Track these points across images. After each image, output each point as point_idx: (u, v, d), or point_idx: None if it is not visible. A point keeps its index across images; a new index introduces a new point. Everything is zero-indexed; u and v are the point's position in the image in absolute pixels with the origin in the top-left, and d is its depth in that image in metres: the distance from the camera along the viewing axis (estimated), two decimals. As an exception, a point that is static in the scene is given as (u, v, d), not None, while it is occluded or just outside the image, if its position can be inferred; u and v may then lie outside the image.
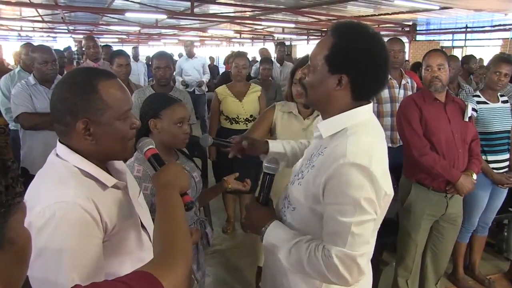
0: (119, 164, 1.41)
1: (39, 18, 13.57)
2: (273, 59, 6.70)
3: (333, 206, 1.34)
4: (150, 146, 1.46)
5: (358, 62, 1.36)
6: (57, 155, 1.26)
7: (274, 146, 1.94)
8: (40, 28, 17.27)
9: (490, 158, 3.28)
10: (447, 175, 2.76)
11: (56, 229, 1.11)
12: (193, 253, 2.06)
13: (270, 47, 17.77)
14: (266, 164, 1.68)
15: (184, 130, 2.01)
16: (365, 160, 1.31)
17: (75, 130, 1.22)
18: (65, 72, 4.76)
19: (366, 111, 1.45)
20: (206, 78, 7.72)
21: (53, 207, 1.12)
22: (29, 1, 10.04)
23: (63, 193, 1.16)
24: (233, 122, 4.15)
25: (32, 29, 17.43)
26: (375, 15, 11.91)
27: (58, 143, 1.28)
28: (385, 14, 11.63)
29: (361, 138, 1.37)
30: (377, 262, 3.37)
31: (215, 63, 16.99)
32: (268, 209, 1.63)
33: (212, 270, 3.81)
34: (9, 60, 7.41)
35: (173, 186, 1.29)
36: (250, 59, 9.26)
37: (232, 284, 3.62)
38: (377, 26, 13.40)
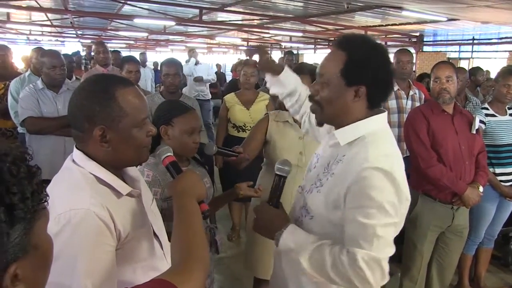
0: (133, 172, 1.42)
1: (48, 23, 13.68)
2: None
3: (357, 209, 1.36)
4: (168, 154, 1.48)
5: (374, 72, 1.41)
6: (73, 161, 1.27)
7: (288, 76, 1.95)
8: (49, 32, 17.41)
9: (498, 170, 3.28)
10: (454, 187, 2.76)
11: (71, 235, 1.12)
12: None
13: (277, 55, 17.83)
14: (278, 166, 1.68)
15: (194, 140, 2.02)
16: (387, 164, 1.35)
17: (92, 136, 1.23)
18: (73, 77, 4.89)
19: (382, 119, 1.49)
20: (211, 78, 7.76)
21: (68, 214, 1.13)
22: (39, 6, 10.13)
23: (78, 200, 1.17)
24: (240, 130, 4.16)
25: (41, 33, 17.56)
26: (382, 25, 11.91)
27: (75, 149, 1.29)
28: (392, 25, 11.63)
29: (380, 145, 1.41)
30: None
31: (222, 71, 17.05)
32: (281, 212, 1.62)
33: (217, 277, 3.79)
34: (18, 63, 7.45)
35: (191, 194, 1.30)
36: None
37: (237, 291, 3.62)
38: (384, 36, 13.42)
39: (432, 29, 12.30)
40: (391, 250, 1.39)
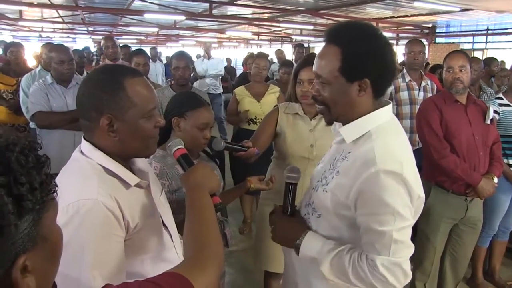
0: (142, 163, 1.41)
1: (60, 19, 13.78)
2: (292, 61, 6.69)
3: (371, 216, 1.33)
4: (180, 146, 1.47)
5: (373, 62, 1.36)
6: (81, 152, 1.26)
7: None
8: (60, 29, 17.54)
9: (511, 161, 3.23)
10: (468, 178, 2.72)
11: (79, 226, 1.12)
12: None
13: (288, 49, 17.78)
14: (288, 174, 1.66)
15: (205, 135, 2.00)
16: (396, 165, 1.30)
17: (99, 126, 1.22)
18: (85, 72, 4.90)
19: (387, 111, 1.44)
20: (216, 72, 7.74)
21: (76, 204, 1.13)
22: (50, 3, 10.19)
23: (86, 190, 1.16)
24: (251, 122, 4.14)
25: (52, 30, 17.70)
26: (394, 17, 11.81)
27: (83, 140, 1.28)
28: (404, 16, 11.52)
29: (387, 141, 1.36)
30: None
31: (232, 65, 17.04)
32: (298, 220, 1.60)
33: (227, 270, 3.80)
34: (30, 60, 7.51)
35: (203, 187, 1.28)
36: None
37: (247, 285, 3.62)
38: (396, 28, 13.30)
39: (445, 20, 12.15)
40: (410, 250, 1.38)
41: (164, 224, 1.39)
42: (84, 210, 1.12)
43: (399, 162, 1.31)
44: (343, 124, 1.46)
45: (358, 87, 1.37)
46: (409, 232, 1.36)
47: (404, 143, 1.43)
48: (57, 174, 1.19)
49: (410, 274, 1.37)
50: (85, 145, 1.26)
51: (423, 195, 1.40)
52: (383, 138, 1.36)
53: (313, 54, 2.71)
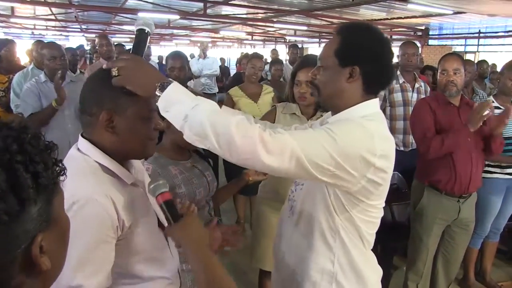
0: (136, 163, 1.41)
1: (53, 17, 13.68)
2: (284, 60, 6.71)
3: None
4: (163, 190, 1.24)
5: (367, 52, 1.42)
6: (78, 149, 1.26)
7: None
8: (53, 26, 17.42)
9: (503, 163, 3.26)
10: (457, 138, 2.68)
11: (71, 222, 1.11)
12: None
13: (282, 49, 17.79)
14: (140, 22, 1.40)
15: None
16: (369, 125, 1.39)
17: (98, 121, 1.22)
18: (78, 71, 4.88)
19: (374, 104, 1.49)
20: (211, 72, 7.75)
21: (71, 200, 1.11)
22: (43, 0, 10.12)
23: (82, 188, 1.15)
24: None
25: (45, 27, 17.57)
26: (387, 19, 11.85)
27: (80, 138, 1.28)
28: (397, 18, 11.58)
29: (364, 123, 1.39)
30: (387, 266, 3.36)
31: (226, 64, 17.02)
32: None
33: (221, 270, 3.80)
34: (23, 58, 7.46)
35: (204, 245, 1.23)
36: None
37: (240, 285, 3.62)
38: (389, 30, 13.36)
39: (437, 22, 12.24)
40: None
41: (159, 224, 1.38)
42: (77, 207, 1.11)
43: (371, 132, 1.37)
44: (332, 114, 1.52)
45: (349, 74, 1.43)
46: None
47: (386, 132, 1.46)
48: None
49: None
50: (82, 142, 1.26)
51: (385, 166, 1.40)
52: (363, 121, 1.40)
53: (311, 55, 2.76)
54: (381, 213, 1.54)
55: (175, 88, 1.21)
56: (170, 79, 1.26)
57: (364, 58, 1.42)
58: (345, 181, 1.35)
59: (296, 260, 1.59)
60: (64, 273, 1.07)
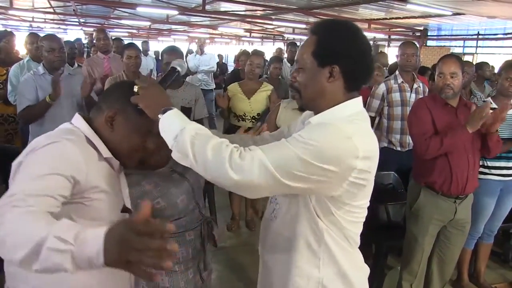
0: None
1: (51, 10, 13.62)
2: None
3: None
4: None
5: (345, 50, 1.40)
6: (70, 123, 1.42)
7: None
8: (51, 19, 17.34)
9: (490, 164, 3.25)
10: (455, 139, 2.69)
11: (44, 151, 1.23)
12: (200, 254, 2.04)
13: (280, 46, 17.76)
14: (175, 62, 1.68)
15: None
16: (346, 127, 1.35)
17: (103, 113, 1.39)
18: (75, 64, 4.86)
19: (357, 103, 1.47)
20: (209, 68, 7.75)
21: (53, 138, 1.27)
22: (41, -8, 10.09)
23: (64, 138, 1.29)
24: (240, 119, 4.14)
25: (43, 20, 17.49)
26: (386, 18, 11.86)
27: (77, 114, 1.44)
28: (396, 18, 11.58)
29: (341, 125, 1.35)
30: (381, 265, 3.36)
31: (223, 61, 16.99)
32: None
33: (216, 267, 3.79)
34: (22, 50, 7.44)
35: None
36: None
37: (236, 282, 3.62)
38: (388, 30, 13.37)
39: (436, 23, 12.25)
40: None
41: (126, 209, 1.47)
42: (53, 144, 1.24)
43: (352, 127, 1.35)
44: (315, 114, 1.49)
45: (328, 73, 1.41)
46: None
47: (368, 133, 1.43)
48: None
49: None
50: (76, 118, 1.42)
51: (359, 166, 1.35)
52: (346, 124, 1.36)
53: None
54: (365, 213, 1.52)
55: (173, 113, 1.37)
56: (172, 106, 1.40)
57: (343, 56, 1.39)
58: (324, 186, 1.34)
59: (280, 266, 1.57)
60: (13, 186, 1.15)
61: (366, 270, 1.62)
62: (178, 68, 1.63)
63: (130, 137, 1.40)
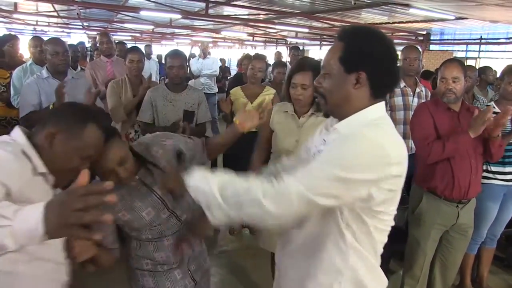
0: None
1: (55, 14, 13.68)
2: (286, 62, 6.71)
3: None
4: None
5: (373, 57, 1.40)
6: (9, 135, 1.42)
7: None
8: (55, 23, 17.41)
9: (494, 169, 3.25)
10: (458, 144, 2.68)
11: None
12: (191, 253, 2.05)
13: (283, 51, 17.78)
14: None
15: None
16: (373, 133, 1.36)
17: (45, 130, 1.41)
18: (79, 67, 4.88)
19: (381, 107, 1.48)
20: (211, 72, 7.77)
21: None
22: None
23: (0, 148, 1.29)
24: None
25: (47, 24, 17.57)
26: (389, 23, 11.86)
27: (16, 127, 1.44)
28: (399, 23, 11.58)
29: (368, 134, 1.37)
30: (384, 270, 3.35)
31: (226, 65, 16.99)
32: None
33: (218, 271, 3.81)
34: (25, 53, 7.47)
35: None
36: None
37: (238, 285, 3.62)
38: (390, 34, 13.34)
39: (439, 27, 12.24)
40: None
41: None
42: None
43: (380, 132, 1.38)
44: (339, 120, 1.49)
45: (355, 80, 1.41)
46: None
47: (395, 137, 1.44)
48: None
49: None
50: (15, 130, 1.43)
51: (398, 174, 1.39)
52: (374, 131, 1.38)
53: (307, 58, 2.82)
54: (392, 220, 1.52)
55: (192, 187, 1.46)
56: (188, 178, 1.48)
57: (370, 62, 1.40)
58: (363, 197, 1.35)
59: (299, 278, 1.55)
60: None
61: (385, 283, 1.60)
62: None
63: (66, 157, 1.42)
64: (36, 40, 4.63)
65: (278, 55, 9.86)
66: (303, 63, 2.64)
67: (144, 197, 1.87)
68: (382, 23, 11.95)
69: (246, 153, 2.94)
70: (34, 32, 19.29)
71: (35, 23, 17.01)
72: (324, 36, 16.77)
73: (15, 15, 13.51)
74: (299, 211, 1.32)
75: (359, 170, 1.30)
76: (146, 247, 1.95)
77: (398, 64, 1.49)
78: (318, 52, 18.89)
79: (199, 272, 2.11)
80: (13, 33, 5.86)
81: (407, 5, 8.29)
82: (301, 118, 2.67)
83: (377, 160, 1.32)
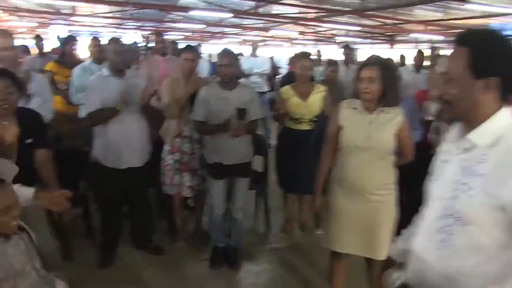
0: None
1: (110, 15, 14.14)
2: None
3: None
4: None
5: (501, 61, 1.37)
6: None
7: None
8: (110, 24, 17.98)
9: None
10: None
11: None
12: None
13: (333, 49, 17.62)
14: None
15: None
16: None
17: None
18: (134, 66, 5.04)
19: (509, 109, 1.43)
20: (263, 71, 7.82)
21: None
22: (103, -1, 10.51)
23: None
24: (297, 122, 4.13)
25: (102, 25, 18.18)
26: (443, 19, 11.50)
27: None
28: (454, 19, 11.20)
29: None
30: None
31: (275, 64, 17.01)
32: None
33: (268, 267, 3.84)
34: (82, 54, 7.78)
35: None
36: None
37: (288, 282, 3.63)
38: (445, 31, 12.97)
39: (499, 23, 11.75)
40: None
41: None
42: None
43: None
44: (466, 126, 1.47)
45: (484, 85, 1.39)
46: None
47: None
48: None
49: None
50: None
51: None
52: None
53: (373, 56, 2.89)
54: None
55: None
56: None
57: (500, 67, 1.37)
58: None
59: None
60: None
61: None
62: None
63: None
64: (95, 40, 4.84)
65: (318, 53, 9.91)
66: (371, 58, 2.76)
67: (15, 243, 1.87)
68: (436, 20, 11.61)
69: (299, 149, 2.94)
70: (91, 33, 20.04)
71: (91, 24, 17.64)
72: (375, 34, 16.47)
73: (72, 18, 14.08)
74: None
75: None
76: None
77: None
78: (368, 50, 18.58)
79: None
80: (72, 34, 6.13)
81: (463, 0, 8.03)
82: (370, 114, 2.74)
83: None
